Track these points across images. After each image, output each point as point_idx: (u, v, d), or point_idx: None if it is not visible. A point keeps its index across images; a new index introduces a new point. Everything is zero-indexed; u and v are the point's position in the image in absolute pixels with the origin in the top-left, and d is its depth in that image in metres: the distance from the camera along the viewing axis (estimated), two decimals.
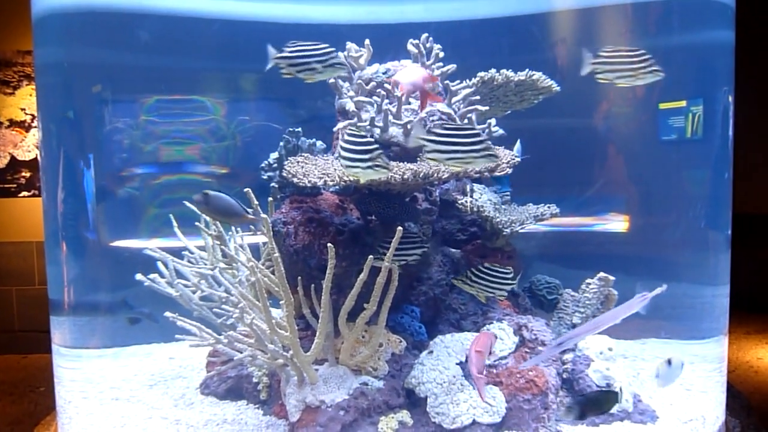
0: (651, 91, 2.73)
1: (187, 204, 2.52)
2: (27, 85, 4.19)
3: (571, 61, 2.83)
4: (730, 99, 2.42)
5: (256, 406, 2.34)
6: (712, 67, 2.51)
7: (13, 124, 4.20)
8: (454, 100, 2.60)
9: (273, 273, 2.06)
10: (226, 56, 2.93)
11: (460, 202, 2.54)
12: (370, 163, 1.73)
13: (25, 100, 4.20)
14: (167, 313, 2.11)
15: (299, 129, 2.42)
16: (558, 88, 2.67)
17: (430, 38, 2.62)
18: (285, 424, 2.14)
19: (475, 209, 2.48)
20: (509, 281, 2.06)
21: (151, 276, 2.38)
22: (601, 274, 2.50)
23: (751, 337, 4.28)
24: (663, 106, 2.54)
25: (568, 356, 2.32)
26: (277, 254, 1.97)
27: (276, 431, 2.12)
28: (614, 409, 2.14)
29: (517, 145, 2.56)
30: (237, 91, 3.15)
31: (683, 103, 2.50)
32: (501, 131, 2.79)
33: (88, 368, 2.63)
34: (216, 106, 3.03)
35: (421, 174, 2.02)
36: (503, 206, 2.62)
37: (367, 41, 2.64)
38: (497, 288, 2.06)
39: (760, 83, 4.34)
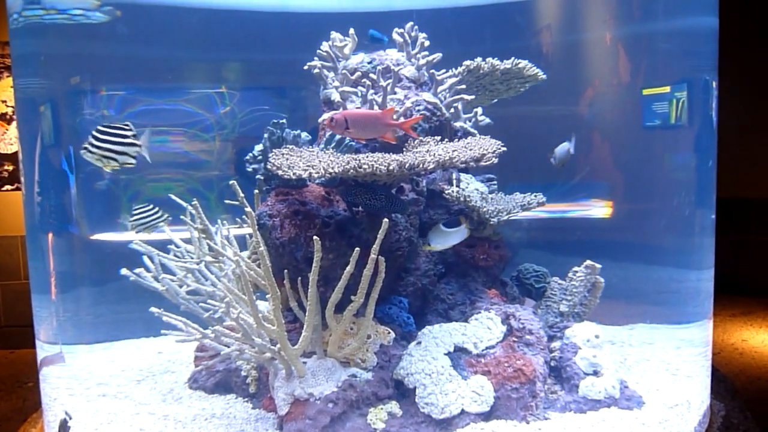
0: (635, 77, 2.73)
1: (173, 197, 2.49)
2: (8, 76, 4.12)
3: (556, 49, 2.82)
4: (714, 84, 2.42)
5: (245, 399, 2.33)
6: (696, 53, 2.50)
7: None
8: (440, 89, 2.59)
9: (259, 266, 2.04)
10: (209, 46, 2.89)
11: (447, 192, 2.54)
12: None
13: (7, 92, 4.13)
14: (152, 309, 2.09)
15: (284, 120, 2.40)
16: (544, 76, 2.66)
17: (416, 27, 2.60)
18: (274, 418, 2.13)
19: (462, 199, 2.47)
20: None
21: (137, 270, 2.36)
22: (588, 262, 2.51)
23: (735, 319, 4.34)
24: (647, 91, 2.54)
25: (556, 344, 2.33)
26: (263, 247, 1.96)
27: (265, 425, 2.12)
28: (601, 396, 2.16)
29: (571, 143, 2.50)
30: (220, 81, 3.11)
31: (667, 89, 2.50)
32: (488, 120, 2.78)
33: (74, 364, 2.62)
34: (198, 97, 2.99)
35: (407, 165, 2.01)
36: (490, 195, 2.62)
37: (351, 30, 2.62)
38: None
39: (742, 68, 4.37)
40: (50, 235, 2.50)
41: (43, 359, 2.18)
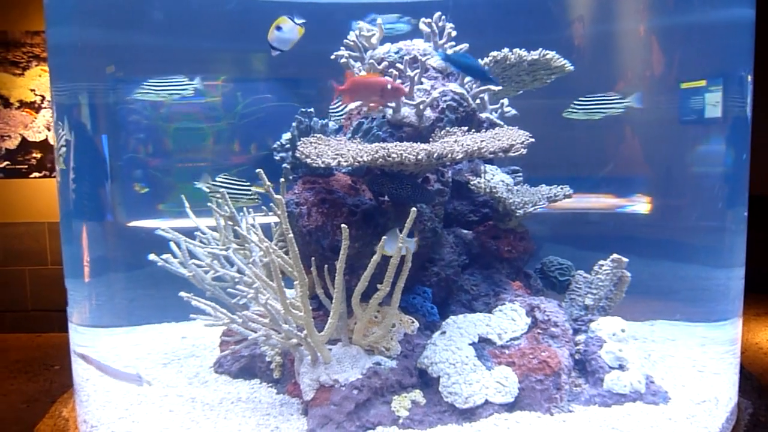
0: (670, 70, 2.69)
1: (197, 184, 2.53)
2: (36, 65, 4.18)
3: (589, 40, 2.79)
4: (750, 79, 2.38)
5: (269, 385, 2.36)
6: (732, 46, 2.45)
7: (23, 104, 4.20)
8: (466, 79, 2.58)
9: (286, 253, 2.06)
10: (241, 35, 2.90)
11: (472, 182, 2.53)
12: None
13: (35, 81, 4.19)
14: (182, 293, 2.12)
15: (311, 109, 2.41)
16: (571, 68, 2.63)
17: (443, 17, 2.59)
18: (299, 403, 2.16)
19: (488, 190, 2.47)
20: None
21: (164, 256, 2.39)
22: (615, 256, 2.49)
23: (760, 318, 4.27)
24: (684, 85, 2.50)
25: (581, 337, 2.32)
26: (291, 235, 1.97)
27: (290, 409, 2.14)
28: (626, 390, 2.15)
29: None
30: (249, 71, 3.13)
31: (703, 83, 2.46)
32: (514, 111, 2.77)
33: (102, 347, 2.66)
34: (228, 87, 3.02)
35: (435, 154, 2.01)
36: (516, 187, 2.61)
37: (379, 20, 2.61)
38: None
39: None
40: (83, 221, 2.55)
41: (118, 375, 2.21)
